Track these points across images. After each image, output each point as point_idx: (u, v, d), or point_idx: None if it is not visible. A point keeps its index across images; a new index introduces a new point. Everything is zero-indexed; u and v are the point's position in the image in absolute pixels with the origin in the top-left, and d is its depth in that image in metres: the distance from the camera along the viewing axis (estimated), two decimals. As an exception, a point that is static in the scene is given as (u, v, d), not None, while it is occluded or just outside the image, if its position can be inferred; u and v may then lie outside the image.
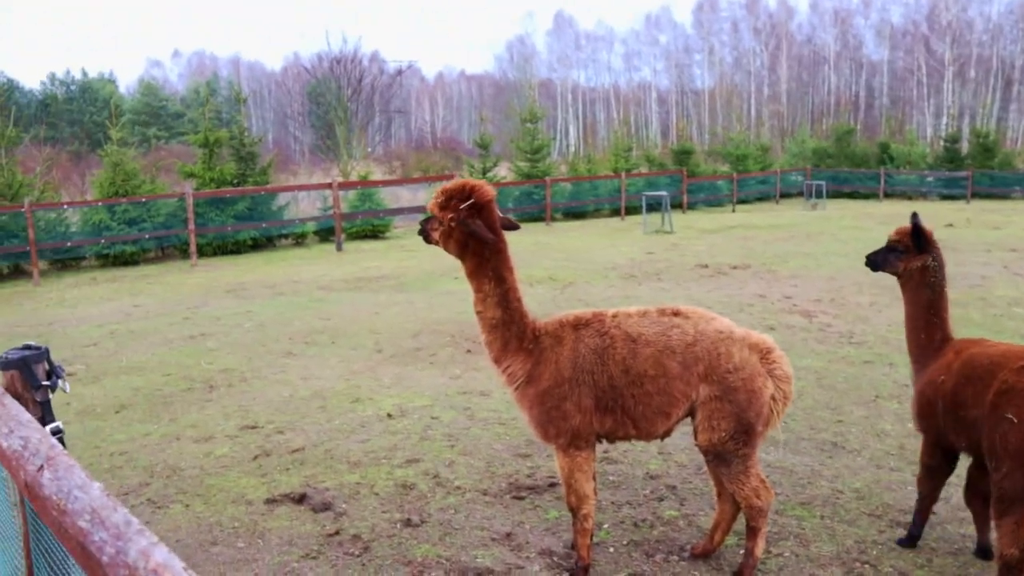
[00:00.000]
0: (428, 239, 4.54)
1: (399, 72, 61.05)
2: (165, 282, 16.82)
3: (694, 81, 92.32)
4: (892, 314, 11.58)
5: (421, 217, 5.06)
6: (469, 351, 9.90)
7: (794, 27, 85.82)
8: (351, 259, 19.44)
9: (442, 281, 15.28)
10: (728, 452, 4.35)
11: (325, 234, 23.40)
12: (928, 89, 71.20)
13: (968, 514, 5.43)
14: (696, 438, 4.44)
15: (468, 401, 7.94)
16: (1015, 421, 4.01)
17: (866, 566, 4.77)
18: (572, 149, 75.06)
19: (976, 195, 35.18)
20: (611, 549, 4.96)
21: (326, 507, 5.50)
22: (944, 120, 64.72)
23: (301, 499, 5.63)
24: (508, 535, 5.12)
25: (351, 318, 11.86)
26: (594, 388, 4.35)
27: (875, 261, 5.07)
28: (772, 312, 11.95)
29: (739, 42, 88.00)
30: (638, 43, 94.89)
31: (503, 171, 32.66)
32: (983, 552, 4.83)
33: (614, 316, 4.49)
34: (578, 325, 4.49)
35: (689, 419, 4.51)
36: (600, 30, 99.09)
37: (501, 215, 4.45)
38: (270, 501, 5.63)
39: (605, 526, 5.26)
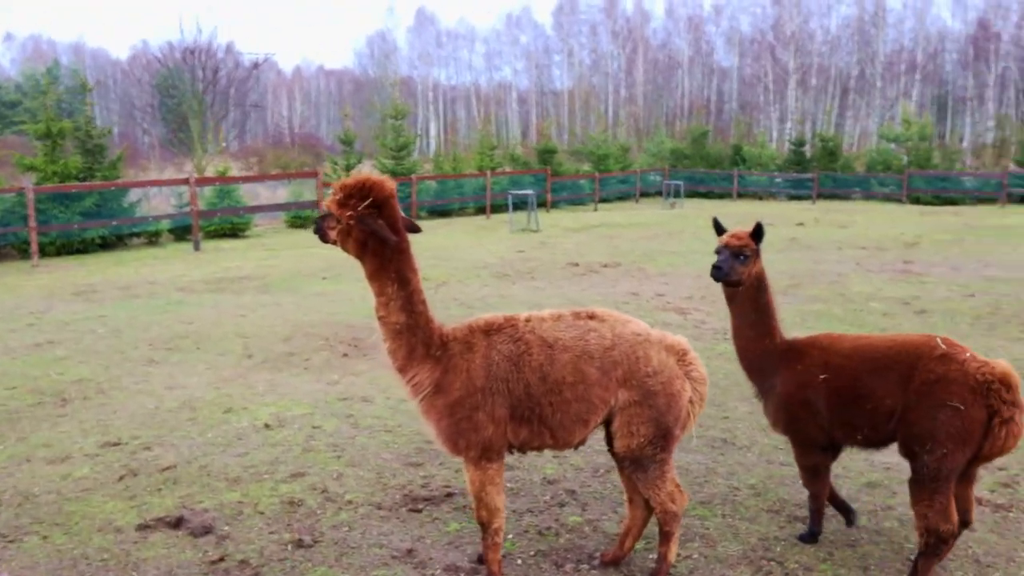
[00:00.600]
0: (324, 238, 4.19)
1: (255, 65, 58.91)
2: (2, 284, 15.47)
3: (553, 82, 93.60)
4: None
5: (314, 214, 4.69)
6: (345, 355, 9.49)
7: (650, 32, 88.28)
8: (210, 259, 18.49)
9: (310, 282, 14.71)
10: (646, 458, 4.22)
11: (181, 233, 22.20)
12: (774, 95, 74.84)
13: (863, 503, 5.55)
14: (613, 445, 4.29)
15: (350, 408, 7.56)
16: (961, 408, 4.20)
17: (772, 563, 4.77)
18: (433, 148, 74.64)
19: (821, 196, 37.15)
20: (519, 561, 4.76)
21: (206, 530, 5.04)
22: (788, 125, 68.16)
23: (178, 523, 5.13)
24: (409, 552, 4.83)
25: (215, 321, 11.19)
26: (509, 397, 4.13)
27: (726, 271, 4.82)
28: (647, 310, 12.08)
29: (597, 44, 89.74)
30: (499, 42, 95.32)
31: (367, 168, 31.98)
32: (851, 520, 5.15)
33: (527, 320, 4.28)
34: (490, 331, 4.25)
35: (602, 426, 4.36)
36: (461, 28, 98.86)
37: (405, 216, 4.17)
38: (142, 527, 5.11)
39: (509, 536, 5.05)
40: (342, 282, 14.54)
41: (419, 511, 5.39)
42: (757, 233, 4.86)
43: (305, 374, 8.73)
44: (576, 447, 4.40)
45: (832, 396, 4.64)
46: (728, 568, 4.69)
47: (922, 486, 4.34)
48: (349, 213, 3.98)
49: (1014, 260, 17.19)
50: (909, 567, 4.57)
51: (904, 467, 6.12)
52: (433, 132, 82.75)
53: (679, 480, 5.80)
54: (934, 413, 4.28)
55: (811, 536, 5.02)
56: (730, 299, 5.00)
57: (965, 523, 4.61)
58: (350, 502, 5.51)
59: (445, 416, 4.15)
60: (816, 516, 5.02)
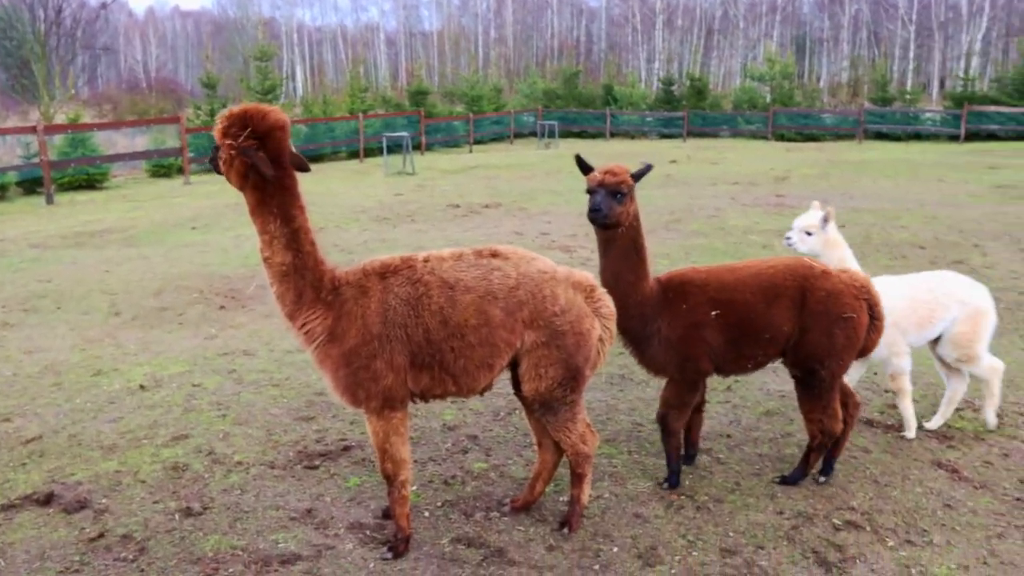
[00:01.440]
0: (216, 169, 3.79)
1: (103, 5, 55.04)
2: None
3: (422, 23, 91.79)
4: (649, 245, 11.97)
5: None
6: (223, 307, 8.98)
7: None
8: (66, 212, 17.23)
9: (178, 232, 13.89)
10: (556, 400, 4.06)
11: (30, 185, 20.55)
12: (642, 36, 75.60)
13: (763, 432, 5.61)
14: (521, 388, 4.11)
15: (231, 363, 7.13)
16: (855, 316, 4.54)
17: (683, 497, 4.74)
18: (301, 91, 72.06)
19: (691, 134, 37.87)
20: (426, 514, 4.55)
21: (81, 505, 4.60)
22: (657, 65, 69.12)
23: (48, 500, 4.66)
24: (308, 512, 4.55)
25: (77, 279, 10.39)
26: (408, 343, 3.87)
27: (605, 212, 4.33)
28: (532, 248, 11.85)
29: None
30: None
31: (232, 113, 30.51)
32: (691, 457, 5.13)
33: (426, 261, 4.00)
34: (386, 273, 3.96)
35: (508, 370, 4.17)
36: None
37: (294, 152, 3.82)
38: (7, 507, 4.61)
39: (414, 488, 4.83)
40: (213, 231, 13.81)
41: (315, 468, 5.10)
42: (639, 175, 4.44)
43: (180, 330, 8.20)
44: (482, 393, 4.20)
45: (730, 331, 4.57)
46: (640, 505, 4.63)
47: (818, 397, 4.65)
48: (229, 143, 3.67)
49: (875, 192, 17.93)
50: (799, 459, 4.99)
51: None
52: (300, 75, 79.80)
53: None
54: (831, 328, 4.54)
55: (675, 479, 4.86)
56: (607, 243, 4.53)
57: None
58: (240, 463, 5.16)
59: (341, 366, 3.87)
60: (675, 455, 4.85)
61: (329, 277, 3.94)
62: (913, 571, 4.05)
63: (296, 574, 3.97)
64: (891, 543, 4.29)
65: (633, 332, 4.64)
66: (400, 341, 3.86)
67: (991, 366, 5.59)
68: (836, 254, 5.52)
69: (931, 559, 4.16)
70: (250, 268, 10.75)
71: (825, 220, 5.57)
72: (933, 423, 5.75)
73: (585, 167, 4.56)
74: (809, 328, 4.54)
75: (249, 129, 3.64)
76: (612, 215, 4.36)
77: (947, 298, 5.51)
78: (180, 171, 23.37)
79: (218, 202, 17.64)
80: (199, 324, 8.38)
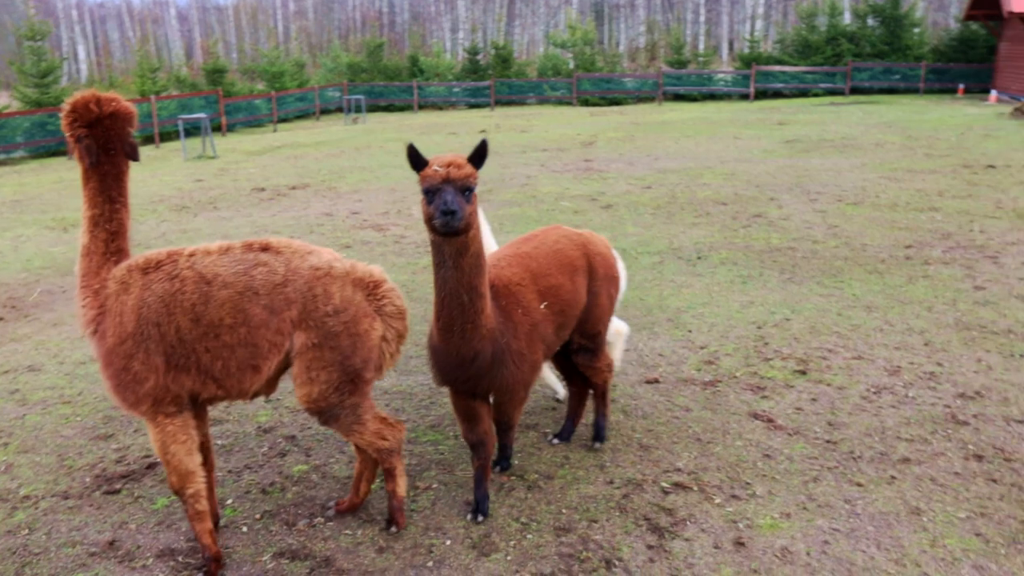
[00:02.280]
0: None
1: None
2: None
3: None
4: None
5: None
6: (1, 319, 8.09)
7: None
8: None
9: (-54, 237, 12.47)
10: (332, 406, 3.75)
11: None
12: (445, 5, 75.18)
13: (588, 403, 5.59)
14: (295, 393, 3.81)
15: (13, 382, 6.41)
16: (617, 275, 4.82)
17: (513, 478, 4.64)
18: (85, 73, 66.98)
19: (499, 102, 38.06)
20: (244, 528, 4.22)
21: None
22: (461, 35, 68.94)
23: None
24: (111, 544, 4.10)
25: None
26: (162, 343, 3.58)
27: (461, 215, 3.46)
28: (343, 229, 11.57)
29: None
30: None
31: (3, 99, 27.87)
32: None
33: (190, 255, 3.71)
34: (148, 268, 3.67)
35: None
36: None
37: (130, 141, 3.77)
38: None
39: (229, 502, 4.48)
40: (-12, 234, 12.49)
41: (116, 492, 4.63)
42: (482, 155, 3.66)
43: (-50, 348, 7.31)
44: (264, 395, 3.89)
45: (556, 319, 4.30)
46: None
47: (599, 354, 4.78)
48: (65, 130, 3.73)
49: (678, 152, 18.62)
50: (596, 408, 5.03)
51: (617, 358, 6.29)
52: (83, 56, 73.96)
53: (404, 405, 5.54)
54: (609, 290, 4.75)
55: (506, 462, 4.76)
56: (458, 252, 3.60)
57: None
58: (27, 497, 4.60)
59: (105, 365, 3.65)
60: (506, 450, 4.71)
61: (108, 268, 3.70)
62: (740, 525, 4.13)
63: (97, 617, 3.56)
64: (718, 500, 4.37)
65: (485, 358, 3.90)
66: (155, 340, 3.59)
67: (616, 329, 5.42)
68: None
69: (756, 511, 4.26)
70: (33, 272, 9.78)
71: None
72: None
73: (419, 160, 3.61)
74: (597, 293, 4.61)
75: (78, 117, 3.65)
76: (467, 217, 3.52)
77: None
78: (-54, 168, 21.08)
79: None
80: (-26, 340, 7.51)
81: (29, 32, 27.17)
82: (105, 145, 3.69)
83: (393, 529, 4.11)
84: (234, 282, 3.61)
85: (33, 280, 9.42)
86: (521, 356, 4.05)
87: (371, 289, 3.81)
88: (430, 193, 3.54)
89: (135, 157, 3.81)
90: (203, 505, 3.79)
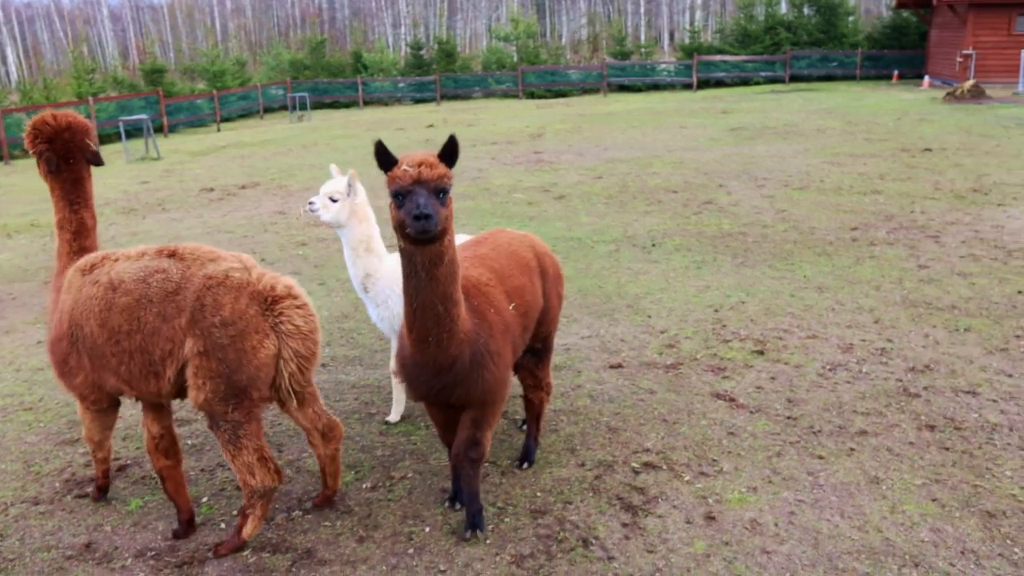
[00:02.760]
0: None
1: None
2: None
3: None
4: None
5: None
6: (-49, 327, 7.92)
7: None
8: None
9: None
10: (217, 415, 3.68)
11: None
12: (385, 1, 74.74)
13: (555, 388, 5.69)
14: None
15: (-29, 390, 6.30)
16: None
17: (487, 465, 4.71)
18: (15, 76, 65.19)
19: (444, 97, 38.00)
20: (222, 525, 4.23)
21: None
22: (403, 30, 68.66)
23: None
24: (87, 546, 4.08)
25: None
26: (85, 344, 3.82)
27: (436, 220, 3.18)
28: (298, 227, 11.52)
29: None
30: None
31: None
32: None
33: (115, 260, 3.88)
34: (87, 269, 3.91)
35: None
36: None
37: (92, 149, 4.26)
38: None
39: (204, 499, 4.48)
40: (-72, 242, 12.15)
41: (88, 495, 4.60)
42: (453, 152, 3.34)
43: (-100, 359, 7.14)
44: (179, 398, 3.86)
45: (522, 321, 4.09)
46: (446, 479, 4.55)
47: (548, 359, 4.73)
48: (28, 147, 4.20)
49: (626, 141, 18.83)
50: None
51: (582, 344, 6.41)
52: (12, 58, 72.07)
53: (373, 398, 5.57)
54: (558, 290, 4.65)
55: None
56: (433, 260, 3.31)
57: None
58: (-5, 504, 4.55)
59: (49, 353, 4.06)
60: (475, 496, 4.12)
61: (66, 265, 4.10)
62: (710, 500, 4.26)
63: (80, 619, 3.55)
64: (687, 477, 4.50)
65: (463, 363, 3.66)
66: (81, 341, 3.84)
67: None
68: (362, 229, 4.93)
69: (724, 486, 4.40)
70: (-21, 279, 9.57)
71: (351, 186, 4.91)
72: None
73: (387, 159, 3.29)
74: (548, 294, 4.44)
75: (38, 134, 4.12)
76: (442, 221, 3.22)
77: None
78: None
79: None
80: (-76, 350, 7.34)
81: (-41, 34, 26.36)
82: (65, 156, 4.16)
83: (210, 554, 3.96)
84: (133, 289, 3.70)
85: (-19, 287, 9.22)
86: (499, 356, 3.80)
87: (269, 304, 3.68)
88: (400, 196, 3.22)
89: (98, 162, 4.30)
90: (103, 453, 4.37)
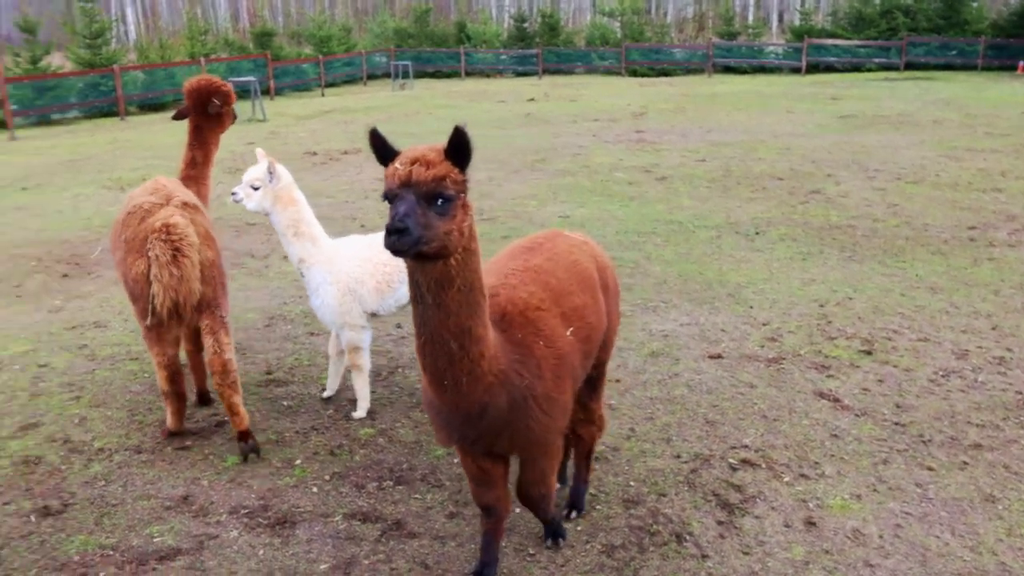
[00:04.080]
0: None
1: None
2: None
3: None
4: (512, 187, 11.81)
5: None
6: (66, 275, 8.24)
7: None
8: None
9: (7, 194, 12.67)
10: None
11: None
12: (490, -29, 74.54)
13: (651, 374, 5.56)
14: None
15: (82, 337, 6.53)
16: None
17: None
18: (134, 35, 67.49)
19: (546, 71, 37.74)
20: (314, 489, 4.27)
21: (-83, 513, 4.07)
22: (507, 1, 68.32)
23: None
24: (184, 498, 4.18)
25: None
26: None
27: (417, 235, 2.55)
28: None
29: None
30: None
31: (58, 60, 28.20)
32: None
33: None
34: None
35: None
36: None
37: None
38: None
39: (298, 461, 4.54)
40: (47, 192, 12.68)
41: (188, 448, 4.71)
42: (461, 147, 2.65)
43: (18, 303, 7.45)
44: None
45: (582, 347, 3.44)
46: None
47: (602, 386, 3.99)
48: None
49: (730, 125, 18.35)
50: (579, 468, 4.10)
51: (681, 332, 6.26)
52: (131, 18, 74.51)
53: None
54: (617, 307, 3.99)
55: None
56: (439, 285, 2.71)
57: None
58: (101, 450, 4.69)
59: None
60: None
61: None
62: (810, 504, 4.10)
63: (177, 570, 3.63)
64: (787, 478, 4.33)
65: (499, 410, 3.04)
66: None
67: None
68: (288, 214, 4.77)
69: (826, 491, 4.22)
70: (93, 231, 9.93)
71: (271, 172, 4.77)
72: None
73: (385, 149, 2.74)
74: (610, 312, 3.79)
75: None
76: (431, 236, 2.58)
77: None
78: (3, 126, 21.43)
79: (50, 159, 16.28)
80: (40, 296, 7.64)
81: (82, -8, 27.38)
82: (193, 108, 5.59)
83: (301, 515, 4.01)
84: (122, 218, 4.60)
85: (94, 238, 9.56)
86: (549, 400, 3.16)
87: (150, 233, 4.33)
88: (388, 199, 2.65)
89: (179, 117, 5.74)
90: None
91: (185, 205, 4.56)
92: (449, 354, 2.82)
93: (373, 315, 4.96)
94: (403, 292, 4.83)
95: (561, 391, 3.23)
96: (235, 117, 5.95)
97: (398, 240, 2.52)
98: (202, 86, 5.51)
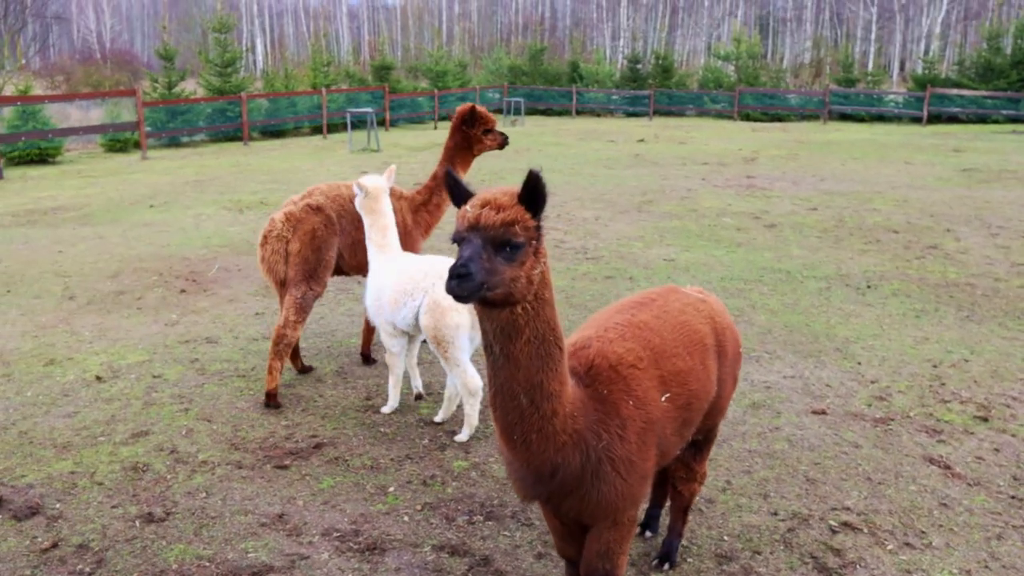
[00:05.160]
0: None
1: (53, -28, 53.33)
2: None
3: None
4: (618, 228, 11.78)
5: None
6: (183, 291, 8.60)
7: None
8: (17, 188, 16.58)
9: (136, 211, 13.39)
10: None
11: (-22, 160, 19.80)
12: (606, 12, 75.17)
13: (750, 426, 5.41)
14: None
15: (194, 352, 6.80)
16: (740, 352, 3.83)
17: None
18: (261, 65, 70.67)
19: (657, 112, 37.69)
20: (405, 518, 4.30)
21: (33, 511, 4.28)
22: (621, 42, 68.71)
23: (-4, 504, 4.35)
24: (280, 516, 4.28)
25: (28, 260, 9.93)
26: None
27: (480, 280, 2.47)
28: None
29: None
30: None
31: (191, 86, 29.74)
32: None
33: None
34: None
35: None
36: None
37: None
38: (-49, 512, 4.30)
39: (391, 489, 4.58)
40: (172, 210, 13.32)
41: (286, 467, 4.82)
42: (534, 193, 2.58)
43: (138, 315, 7.82)
44: None
45: (679, 415, 3.21)
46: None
47: (708, 450, 3.86)
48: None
49: (845, 173, 17.88)
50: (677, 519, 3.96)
51: (784, 385, 6.09)
52: (260, 49, 78.19)
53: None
54: (736, 373, 3.75)
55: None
56: (506, 335, 2.63)
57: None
58: (204, 463, 4.86)
59: None
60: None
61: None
62: (914, 576, 3.90)
63: (268, 587, 3.71)
64: (890, 546, 4.13)
65: (571, 470, 2.88)
66: None
67: (464, 381, 5.09)
68: (369, 221, 5.40)
69: (932, 563, 4.00)
70: (212, 249, 10.36)
71: (359, 186, 5.37)
72: (439, 416, 5.52)
73: (459, 191, 2.71)
74: (725, 380, 3.56)
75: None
76: (495, 283, 2.50)
77: (424, 282, 5.14)
78: (137, 146, 22.70)
79: (177, 179, 17.12)
80: (159, 309, 8.01)
81: (217, 25, 28.88)
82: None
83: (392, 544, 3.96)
84: None
85: (212, 257, 9.98)
86: (629, 464, 2.96)
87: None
88: (457, 242, 2.59)
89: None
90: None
91: (308, 207, 5.85)
92: (519, 409, 2.70)
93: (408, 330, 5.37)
94: (409, 309, 5.18)
95: (644, 458, 3.02)
96: (500, 145, 6.71)
97: (458, 285, 2.44)
98: (462, 111, 6.46)
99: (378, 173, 5.62)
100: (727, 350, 3.53)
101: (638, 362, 3.06)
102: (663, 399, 3.09)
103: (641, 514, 4.15)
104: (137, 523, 4.19)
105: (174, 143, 25.30)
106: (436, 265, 5.21)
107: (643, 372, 3.05)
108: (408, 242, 6.15)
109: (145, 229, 11.76)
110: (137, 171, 18.97)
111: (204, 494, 4.49)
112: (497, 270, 2.48)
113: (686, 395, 3.21)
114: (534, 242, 2.57)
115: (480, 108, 6.61)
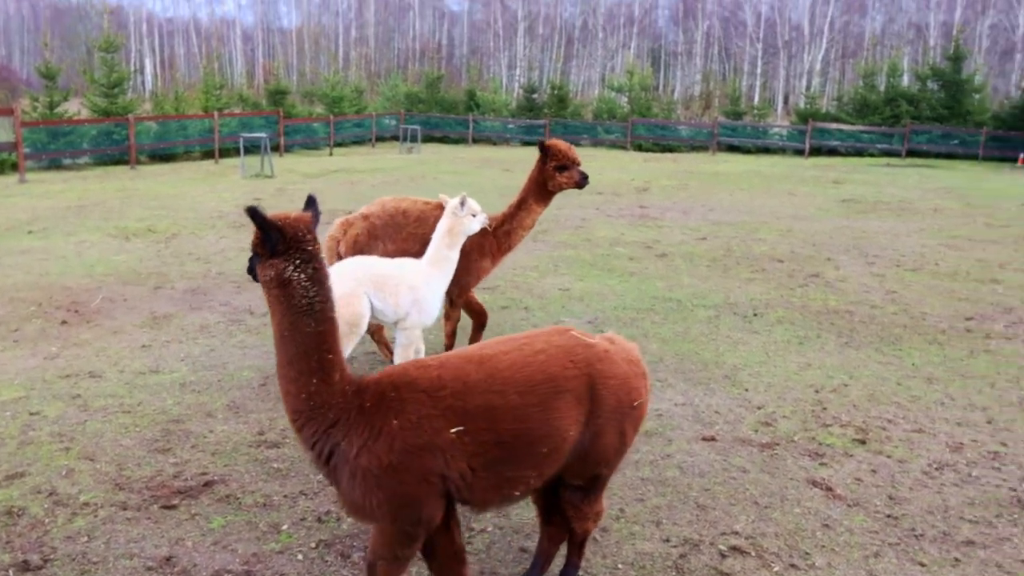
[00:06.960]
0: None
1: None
2: None
3: (280, 19, 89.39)
4: (513, 257, 11.88)
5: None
6: (65, 322, 8.24)
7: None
8: None
9: (12, 237, 12.76)
10: None
11: None
12: (503, 42, 76.24)
13: (643, 454, 5.53)
14: None
15: (75, 387, 6.51)
16: (643, 401, 3.65)
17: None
18: (150, 86, 68.71)
19: (553, 141, 38.30)
20: (299, 556, 4.22)
21: None
22: (518, 72, 69.70)
23: None
24: (167, 559, 4.13)
25: None
26: None
27: (250, 269, 3.38)
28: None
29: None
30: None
31: (74, 106, 28.62)
32: None
33: None
34: None
35: None
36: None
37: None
38: None
39: (284, 527, 4.49)
40: (53, 236, 12.76)
41: (173, 507, 4.66)
42: (262, 225, 3.13)
43: (14, 348, 7.45)
44: None
45: (485, 451, 3.23)
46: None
47: (597, 496, 3.74)
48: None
49: (733, 204, 18.55)
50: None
51: (676, 412, 6.24)
52: (149, 69, 76.04)
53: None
54: (623, 426, 3.56)
55: None
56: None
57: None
58: (86, 504, 4.65)
59: None
60: None
61: None
62: (799, 597, 4.04)
63: (154, 634, 3.57)
64: (776, 568, 4.28)
65: (319, 461, 3.25)
66: None
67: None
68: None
69: (815, 584, 4.17)
70: (95, 278, 9.97)
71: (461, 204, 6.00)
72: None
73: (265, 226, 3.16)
74: (600, 431, 3.46)
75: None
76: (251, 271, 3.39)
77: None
78: (14, 168, 21.68)
79: (58, 203, 16.43)
80: (37, 341, 7.65)
81: (104, 43, 27.96)
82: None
83: None
84: None
85: (95, 286, 9.60)
86: (375, 478, 3.09)
87: None
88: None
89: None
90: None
91: (361, 214, 7.04)
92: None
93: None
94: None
95: (401, 480, 3.11)
96: (578, 183, 7.01)
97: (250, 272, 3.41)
98: (539, 143, 6.91)
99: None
100: (603, 399, 3.42)
101: (432, 390, 3.18)
102: (452, 431, 3.14)
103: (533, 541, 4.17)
104: (11, 572, 3.97)
105: (55, 165, 24.28)
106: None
107: (433, 399, 3.16)
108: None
109: (22, 256, 11.23)
110: (14, 194, 18.11)
111: (86, 538, 4.30)
112: (253, 268, 3.31)
113: (498, 432, 3.21)
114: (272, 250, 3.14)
115: (555, 143, 6.78)
